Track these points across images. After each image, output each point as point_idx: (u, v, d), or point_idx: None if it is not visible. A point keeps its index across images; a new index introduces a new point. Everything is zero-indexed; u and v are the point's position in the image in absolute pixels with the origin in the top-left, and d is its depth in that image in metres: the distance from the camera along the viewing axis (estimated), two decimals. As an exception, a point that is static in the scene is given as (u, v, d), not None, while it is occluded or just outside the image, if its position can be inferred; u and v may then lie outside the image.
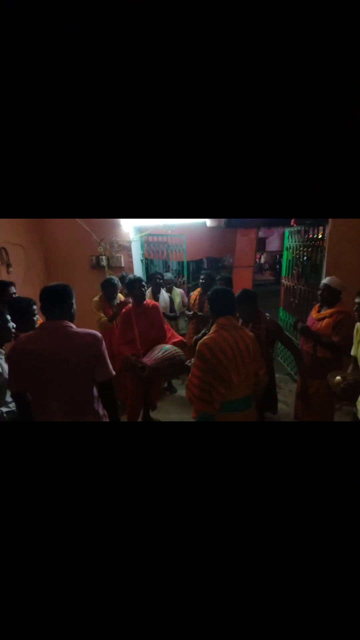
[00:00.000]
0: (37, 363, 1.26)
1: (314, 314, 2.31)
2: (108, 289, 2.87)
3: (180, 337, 2.80)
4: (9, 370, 1.34)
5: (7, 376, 1.48)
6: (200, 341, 1.55)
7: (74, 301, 1.39)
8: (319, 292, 2.26)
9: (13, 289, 2.13)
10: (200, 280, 3.33)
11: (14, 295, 2.10)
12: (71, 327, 1.33)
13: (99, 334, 1.36)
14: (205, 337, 1.55)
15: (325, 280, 2.23)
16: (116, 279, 2.96)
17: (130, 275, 2.67)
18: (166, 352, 2.44)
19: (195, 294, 3.42)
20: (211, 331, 1.57)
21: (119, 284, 2.97)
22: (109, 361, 1.38)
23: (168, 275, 3.62)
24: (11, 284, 2.15)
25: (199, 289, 3.38)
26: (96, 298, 2.94)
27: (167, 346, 2.53)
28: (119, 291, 3.00)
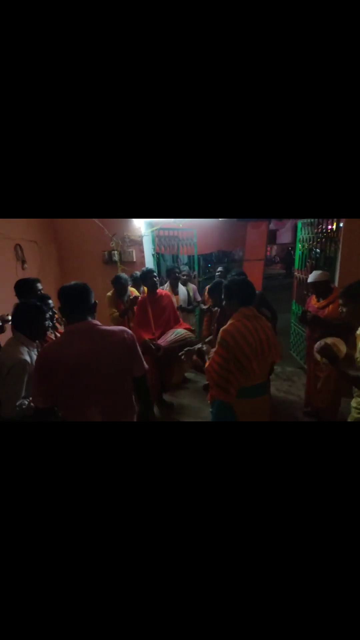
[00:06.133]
0: (74, 371, 1.15)
1: (314, 304, 2.44)
2: (118, 285, 2.97)
3: (188, 326, 2.99)
4: (35, 385, 1.22)
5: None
6: (223, 328, 1.55)
7: (92, 297, 1.29)
8: (312, 289, 2.47)
9: (40, 286, 2.13)
10: (217, 274, 3.33)
11: (40, 291, 2.11)
12: (100, 325, 1.24)
13: (129, 330, 1.33)
14: (227, 325, 1.55)
15: (311, 279, 2.41)
16: (125, 276, 3.05)
17: (144, 268, 2.82)
18: (178, 335, 2.66)
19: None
20: (233, 319, 1.57)
21: (129, 280, 3.06)
22: (141, 355, 1.36)
23: (184, 268, 3.65)
24: (38, 280, 2.15)
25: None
26: (109, 293, 3.04)
27: (179, 330, 2.74)
28: (129, 287, 3.08)
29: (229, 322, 1.57)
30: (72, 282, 1.26)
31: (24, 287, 2.04)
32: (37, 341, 1.64)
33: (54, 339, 1.97)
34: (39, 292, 2.08)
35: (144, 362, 1.38)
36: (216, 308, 2.46)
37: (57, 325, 2.08)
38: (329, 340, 1.72)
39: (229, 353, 1.50)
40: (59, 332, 2.06)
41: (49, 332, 1.92)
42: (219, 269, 3.36)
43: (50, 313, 1.90)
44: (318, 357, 1.67)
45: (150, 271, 2.75)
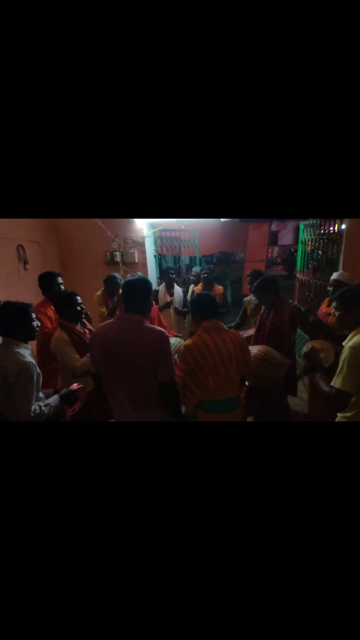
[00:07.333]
0: (108, 349, 1.36)
1: (324, 308, 2.35)
2: (111, 284, 2.97)
3: (173, 333, 2.88)
4: (89, 353, 1.49)
5: (38, 370, 1.51)
6: (184, 343, 1.59)
7: (151, 296, 1.44)
8: (329, 288, 2.30)
9: (60, 279, 2.26)
10: (202, 275, 3.34)
11: (61, 286, 2.24)
12: (142, 322, 1.38)
13: (165, 333, 1.38)
14: (188, 340, 1.58)
15: (334, 276, 2.28)
16: (119, 277, 3.04)
17: (129, 275, 2.74)
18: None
19: (198, 289, 3.40)
20: (196, 334, 1.59)
21: (121, 281, 3.04)
22: (172, 361, 1.39)
23: (198, 269, 3.63)
24: (58, 274, 2.29)
25: (200, 284, 3.39)
26: (98, 293, 3.06)
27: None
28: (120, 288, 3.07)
29: (192, 337, 1.60)
30: (136, 277, 1.46)
31: (47, 280, 2.26)
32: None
33: (82, 331, 1.98)
34: (58, 286, 2.24)
35: (173, 370, 1.40)
36: (263, 307, 2.30)
37: (85, 321, 2.08)
38: (317, 344, 1.70)
39: (187, 366, 1.53)
40: (87, 328, 2.06)
41: (77, 326, 1.92)
42: (204, 271, 3.35)
43: (79, 308, 1.92)
44: (302, 360, 1.65)
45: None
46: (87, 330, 2.02)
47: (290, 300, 2.24)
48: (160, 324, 2.78)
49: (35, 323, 1.55)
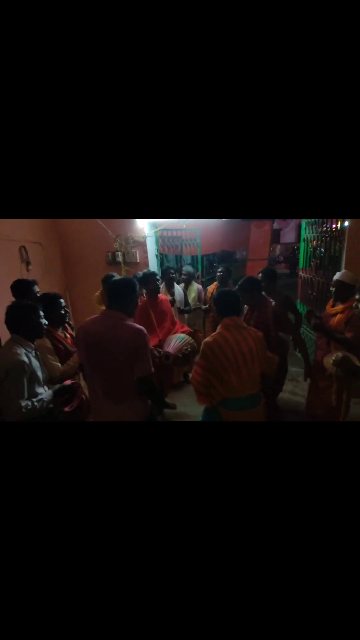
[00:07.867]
0: (89, 342, 1.43)
1: (328, 309, 2.31)
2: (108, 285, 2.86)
3: (188, 328, 2.89)
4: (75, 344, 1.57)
5: (34, 369, 1.55)
6: (205, 340, 1.59)
7: (135, 296, 1.51)
8: (332, 288, 2.25)
9: (37, 288, 2.15)
10: (218, 273, 3.32)
11: (37, 294, 2.11)
12: (123, 319, 1.44)
13: (144, 331, 1.43)
14: (209, 337, 1.60)
15: (337, 276, 2.22)
16: (117, 276, 2.98)
17: (145, 270, 2.72)
18: (183, 341, 2.52)
19: (212, 287, 3.40)
20: (216, 331, 1.60)
21: None
22: (149, 358, 1.45)
23: (188, 268, 3.60)
24: (34, 282, 2.17)
25: (215, 283, 3.37)
26: (97, 293, 3.01)
27: (181, 335, 2.61)
28: None
29: (213, 334, 1.61)
30: (121, 277, 1.54)
31: (21, 288, 2.07)
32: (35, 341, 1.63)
33: (63, 336, 1.97)
34: (34, 295, 2.08)
35: (150, 366, 1.45)
36: (247, 307, 2.36)
37: (67, 326, 2.07)
38: (341, 353, 1.69)
39: (207, 363, 1.53)
40: (69, 333, 2.05)
41: (59, 331, 1.92)
42: (220, 269, 3.34)
43: (63, 312, 1.93)
44: (334, 369, 1.64)
45: (153, 274, 2.66)
46: (68, 335, 2.01)
47: (271, 300, 2.25)
48: (173, 320, 2.79)
49: (43, 322, 1.61)
